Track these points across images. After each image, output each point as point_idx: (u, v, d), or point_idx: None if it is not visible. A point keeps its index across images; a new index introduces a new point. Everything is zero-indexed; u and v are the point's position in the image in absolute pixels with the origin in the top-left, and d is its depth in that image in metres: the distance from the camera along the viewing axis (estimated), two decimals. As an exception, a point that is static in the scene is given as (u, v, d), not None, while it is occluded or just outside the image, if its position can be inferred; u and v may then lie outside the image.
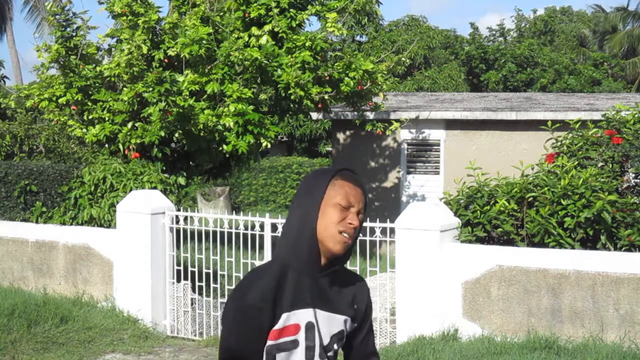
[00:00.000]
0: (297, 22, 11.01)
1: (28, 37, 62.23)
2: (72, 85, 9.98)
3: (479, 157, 11.11)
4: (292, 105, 11.24)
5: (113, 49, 10.78)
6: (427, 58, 28.37)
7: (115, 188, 9.22)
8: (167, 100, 9.20)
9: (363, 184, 2.26)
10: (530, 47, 29.50)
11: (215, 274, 8.17)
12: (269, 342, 2.14)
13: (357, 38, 28.80)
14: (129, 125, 9.89)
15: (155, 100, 9.22)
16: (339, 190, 2.20)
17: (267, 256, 7.67)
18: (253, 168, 21.71)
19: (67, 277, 8.82)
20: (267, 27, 10.79)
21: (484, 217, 7.21)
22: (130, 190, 8.91)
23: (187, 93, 9.87)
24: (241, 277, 2.50)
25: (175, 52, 9.84)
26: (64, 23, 10.04)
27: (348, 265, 3.61)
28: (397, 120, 12.67)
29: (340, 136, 15.31)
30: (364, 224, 2.63)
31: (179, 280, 8.21)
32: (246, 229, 7.74)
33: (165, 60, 10.10)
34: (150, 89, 9.20)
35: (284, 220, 7.33)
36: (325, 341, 2.22)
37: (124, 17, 10.06)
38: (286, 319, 2.14)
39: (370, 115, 13.10)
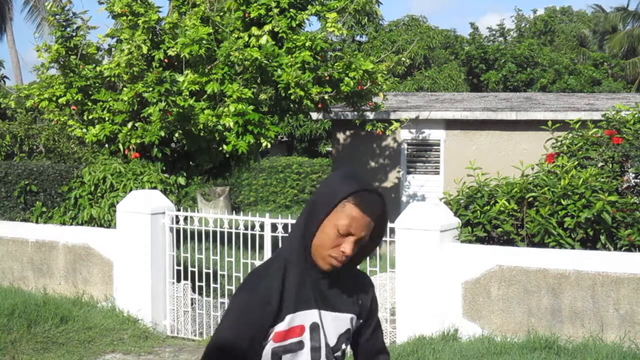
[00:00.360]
0: (297, 22, 11.01)
1: (28, 37, 62.23)
2: (72, 85, 9.99)
3: (479, 157, 11.09)
4: (292, 105, 11.24)
5: (113, 49, 10.78)
6: (427, 58, 28.36)
7: (115, 188, 9.22)
8: (167, 100, 9.20)
9: (375, 211, 2.14)
10: (530, 47, 29.50)
11: (215, 274, 8.17)
12: (275, 344, 2.12)
13: (357, 38, 28.79)
14: (129, 125, 9.90)
15: (155, 100, 9.22)
16: (344, 214, 2.10)
17: (267, 256, 7.66)
18: (253, 168, 21.71)
19: (67, 277, 8.82)
20: (267, 27, 10.79)
21: (484, 217, 7.21)
22: (130, 190, 8.91)
23: (187, 93, 9.88)
24: (241, 277, 2.50)
25: (175, 52, 9.84)
26: (64, 23, 10.04)
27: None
28: (397, 120, 12.67)
29: (340, 136, 15.30)
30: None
31: (179, 280, 8.21)
32: (246, 229, 7.74)
33: (165, 60, 10.11)
34: (150, 89, 9.20)
35: (283, 221, 7.38)
36: (333, 342, 2.20)
37: (124, 17, 10.06)
38: (291, 320, 2.13)
39: (370, 115, 13.10)
